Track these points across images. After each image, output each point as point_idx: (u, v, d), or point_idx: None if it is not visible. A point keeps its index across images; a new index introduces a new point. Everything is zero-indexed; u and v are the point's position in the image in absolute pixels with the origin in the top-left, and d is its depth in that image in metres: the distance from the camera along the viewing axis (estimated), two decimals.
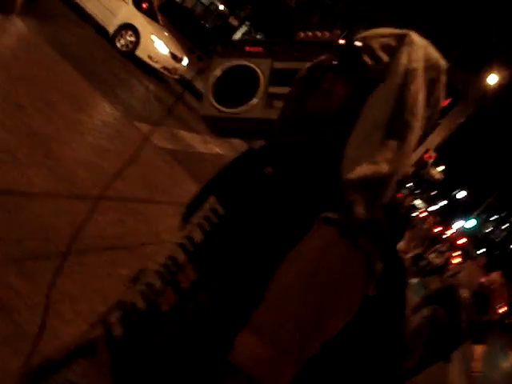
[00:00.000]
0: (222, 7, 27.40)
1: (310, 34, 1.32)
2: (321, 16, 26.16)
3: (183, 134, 9.41)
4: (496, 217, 44.34)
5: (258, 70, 1.32)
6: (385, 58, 1.08)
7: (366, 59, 1.09)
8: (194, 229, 1.07)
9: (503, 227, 44.24)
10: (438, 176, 25.23)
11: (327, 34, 1.30)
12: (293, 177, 1.01)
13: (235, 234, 1.00)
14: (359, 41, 1.12)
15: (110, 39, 11.81)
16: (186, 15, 17.17)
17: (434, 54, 1.10)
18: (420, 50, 1.07)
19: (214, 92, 1.33)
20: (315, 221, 0.93)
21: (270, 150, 1.13)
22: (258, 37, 26.87)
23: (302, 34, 1.33)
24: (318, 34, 1.31)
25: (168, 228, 4.95)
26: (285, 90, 1.27)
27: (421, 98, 1.02)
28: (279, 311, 0.90)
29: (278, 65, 1.32)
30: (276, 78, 1.30)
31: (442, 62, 1.10)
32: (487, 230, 44.42)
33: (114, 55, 11.29)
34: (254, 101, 1.29)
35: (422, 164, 20.02)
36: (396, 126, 0.99)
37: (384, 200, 0.96)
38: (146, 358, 0.97)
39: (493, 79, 22.67)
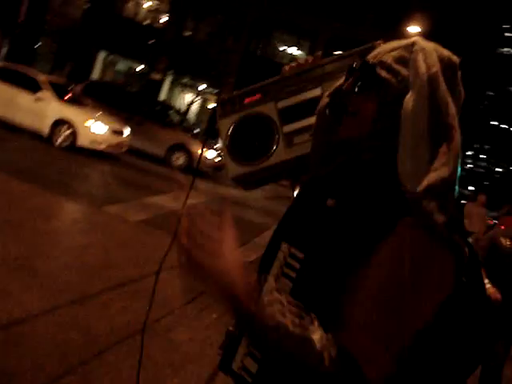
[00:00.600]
0: (139, 68, 27.63)
1: (294, 65, 1.37)
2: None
3: (152, 199, 9.41)
4: (471, 152, 44.71)
5: (268, 115, 1.34)
6: (402, 70, 1.10)
7: (384, 74, 1.11)
8: (279, 280, 1.10)
9: (481, 156, 44.48)
10: None
11: (310, 58, 1.36)
12: (354, 203, 1.07)
13: (321, 272, 1.06)
14: (372, 59, 1.14)
15: (47, 140, 11.82)
16: (109, 89, 17.29)
17: (445, 52, 1.13)
18: (433, 53, 1.09)
19: (232, 152, 1.33)
20: (397, 225, 1.00)
21: (324, 181, 1.18)
22: (185, 80, 27.16)
23: (288, 67, 1.37)
24: (302, 61, 1.37)
25: (176, 293, 4.94)
26: (298, 124, 1.33)
27: (449, 98, 1.06)
28: (384, 311, 0.97)
29: (282, 104, 1.35)
30: (285, 116, 1.34)
31: (455, 58, 1.13)
32: (467, 167, 44.65)
33: (57, 154, 11.29)
34: (275, 146, 1.32)
35: None
36: (438, 131, 1.03)
37: (454, 197, 1.04)
38: None
39: (413, 30, 23.15)
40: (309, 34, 25.89)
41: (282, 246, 1.14)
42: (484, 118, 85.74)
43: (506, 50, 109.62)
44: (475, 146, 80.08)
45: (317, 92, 1.34)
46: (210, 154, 15.03)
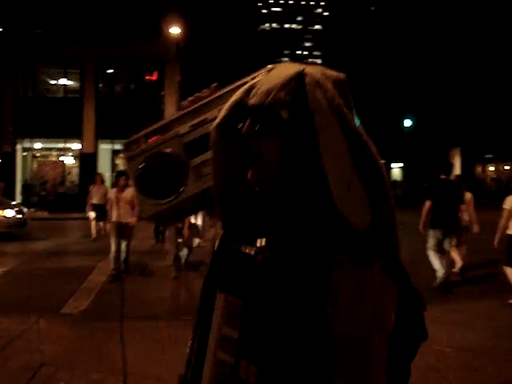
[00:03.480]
0: None
1: (191, 98, 1.35)
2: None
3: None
4: None
5: (174, 152, 1.34)
6: (300, 105, 1.06)
7: (285, 114, 1.06)
8: (222, 331, 1.11)
9: None
10: None
11: (207, 91, 1.34)
12: (285, 247, 1.07)
13: (265, 318, 1.05)
14: (266, 98, 1.08)
15: None
16: None
17: (334, 73, 1.11)
18: (326, 83, 1.07)
19: (143, 192, 1.33)
20: (335, 266, 1.00)
21: (247, 224, 1.17)
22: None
23: (186, 102, 1.36)
24: (199, 94, 1.35)
25: None
26: (205, 156, 1.32)
27: (353, 121, 1.07)
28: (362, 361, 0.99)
29: (186, 138, 1.35)
30: (191, 150, 1.34)
31: (342, 75, 1.11)
32: None
33: None
34: (184, 181, 1.32)
35: None
36: (361, 158, 1.04)
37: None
38: None
39: (175, 31, 23.71)
40: (75, 61, 25.14)
41: (217, 296, 1.14)
42: None
43: (266, 25, 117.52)
44: None
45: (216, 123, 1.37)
46: (8, 212, 14.11)
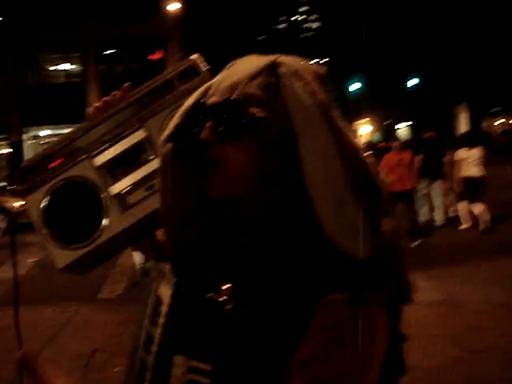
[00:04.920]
0: None
1: (98, 105, 1.10)
2: None
3: None
4: None
5: (86, 178, 1.07)
6: (273, 100, 0.86)
7: (257, 112, 0.85)
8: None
9: None
10: None
11: (117, 93, 1.10)
12: (263, 284, 0.86)
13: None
14: (232, 94, 0.86)
15: None
16: None
17: (313, 66, 0.93)
18: (306, 73, 0.89)
19: (54, 236, 1.06)
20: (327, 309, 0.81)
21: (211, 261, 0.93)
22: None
23: (92, 110, 1.10)
24: (107, 99, 1.11)
25: None
26: (128, 180, 1.07)
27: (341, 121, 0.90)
28: None
29: (99, 160, 1.07)
30: (107, 174, 1.07)
31: (323, 69, 0.93)
32: None
33: None
34: (106, 215, 1.05)
35: None
36: (355, 170, 0.85)
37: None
38: None
39: (173, 7, 23.39)
40: (75, 44, 24.92)
41: (175, 361, 0.89)
42: None
43: None
44: None
45: (140, 135, 1.08)
46: None
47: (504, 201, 10.98)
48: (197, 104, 0.92)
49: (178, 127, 0.93)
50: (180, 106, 0.99)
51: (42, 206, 1.06)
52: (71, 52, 25.83)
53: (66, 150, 1.08)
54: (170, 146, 0.94)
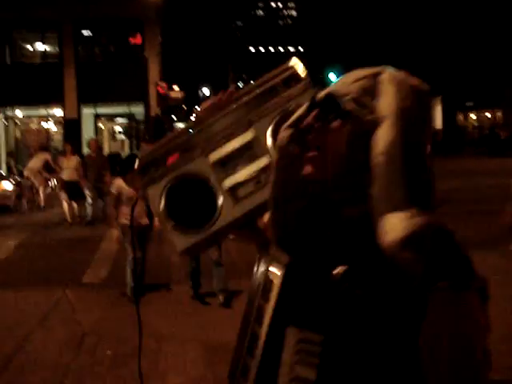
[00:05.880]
0: None
1: (206, 106, 1.24)
2: None
3: None
4: (241, 84, 46.14)
5: (202, 173, 1.19)
6: (368, 101, 1.00)
7: (351, 107, 1.00)
8: (293, 371, 1.00)
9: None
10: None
11: (223, 95, 1.22)
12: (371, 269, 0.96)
13: (352, 354, 0.97)
14: (336, 90, 1.03)
15: None
16: None
17: (415, 81, 1.04)
18: (405, 84, 1.01)
19: (175, 223, 1.18)
20: (433, 293, 0.91)
21: (319, 248, 1.03)
22: None
23: (201, 111, 1.23)
24: (214, 100, 1.23)
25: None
26: (240, 176, 1.18)
27: (422, 134, 1.01)
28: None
29: (213, 157, 1.20)
30: (221, 169, 1.19)
31: (425, 86, 1.04)
32: None
33: None
34: (220, 206, 1.17)
35: None
36: (413, 169, 0.95)
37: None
38: None
39: None
40: (51, 24, 24.47)
41: (288, 332, 1.03)
42: (242, 48, 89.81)
43: None
44: (244, 76, 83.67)
45: (248, 136, 1.21)
46: (6, 185, 14.16)
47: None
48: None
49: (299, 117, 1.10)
50: (285, 109, 1.19)
51: (162, 196, 1.19)
52: (49, 32, 25.37)
53: (182, 146, 1.21)
54: (287, 132, 1.10)
